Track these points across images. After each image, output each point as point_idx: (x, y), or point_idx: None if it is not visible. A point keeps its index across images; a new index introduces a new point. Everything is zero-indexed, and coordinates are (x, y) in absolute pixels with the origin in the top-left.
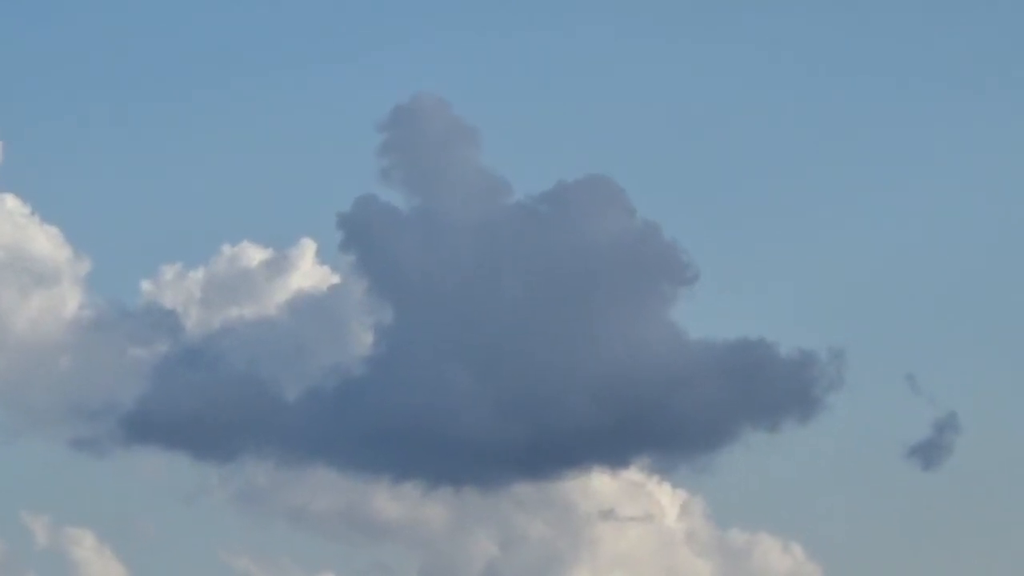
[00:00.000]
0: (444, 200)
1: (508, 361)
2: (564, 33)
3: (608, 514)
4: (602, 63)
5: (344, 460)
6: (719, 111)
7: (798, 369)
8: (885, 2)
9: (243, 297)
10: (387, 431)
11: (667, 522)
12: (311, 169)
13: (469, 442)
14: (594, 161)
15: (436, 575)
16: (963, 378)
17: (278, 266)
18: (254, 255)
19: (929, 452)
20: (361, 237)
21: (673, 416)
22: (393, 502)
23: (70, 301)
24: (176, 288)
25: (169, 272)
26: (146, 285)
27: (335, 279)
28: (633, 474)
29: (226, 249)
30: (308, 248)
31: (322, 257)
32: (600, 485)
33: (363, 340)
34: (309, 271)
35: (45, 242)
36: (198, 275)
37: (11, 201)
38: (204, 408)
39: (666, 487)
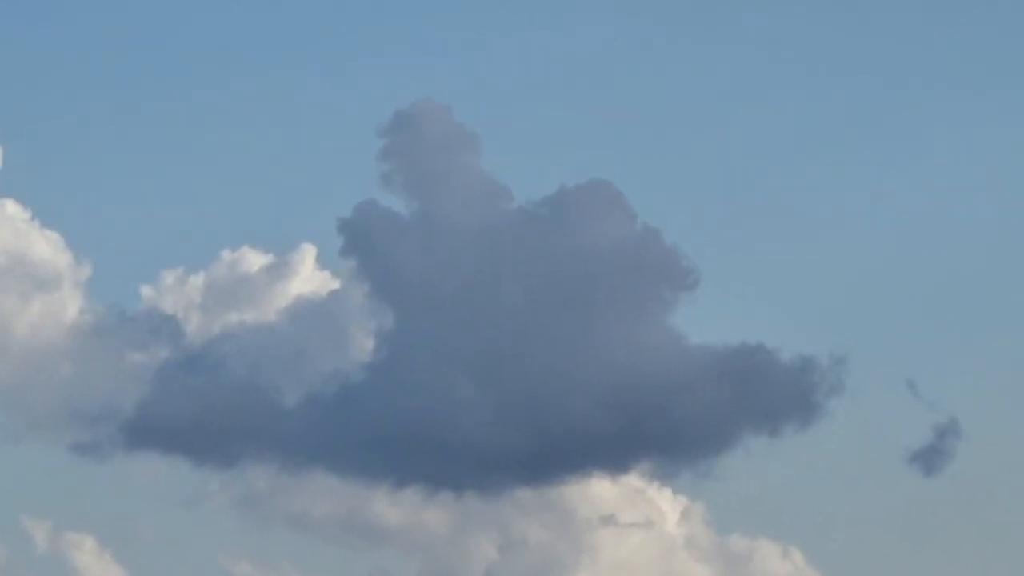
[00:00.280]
0: (445, 205)
1: (509, 366)
2: (565, 38)
3: (608, 519)
4: (603, 68)
5: (344, 465)
6: (720, 117)
7: (799, 375)
8: (885, 2)
9: (243, 302)
10: (387, 436)
11: (667, 528)
12: (311, 174)
13: (469, 447)
14: (595, 166)
15: None
16: (964, 384)
17: (278, 271)
18: (254, 260)
19: (930, 458)
20: (362, 242)
21: (673, 421)
22: (393, 507)
23: (70, 306)
24: (176, 293)
25: (169, 277)
26: (146, 290)
27: (335, 284)
28: (633, 479)
29: (226, 254)
30: (308, 253)
31: (322, 262)
32: (600, 490)
33: (363, 345)
34: (309, 276)
35: (45, 247)
36: (198, 280)
37: (11, 206)
38: (204, 413)
39: (666, 493)
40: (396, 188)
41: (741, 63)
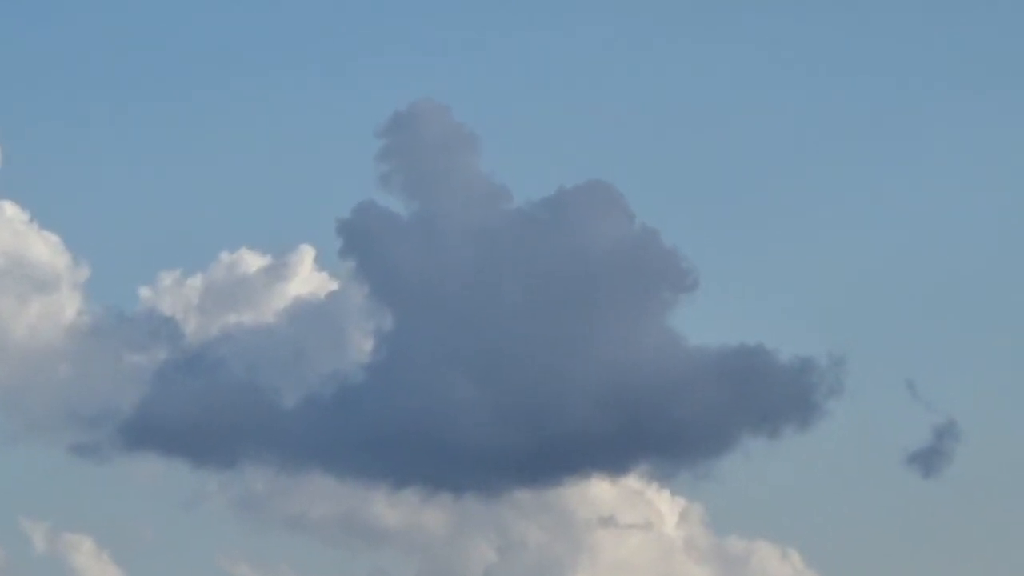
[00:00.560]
0: (444, 206)
1: (507, 367)
2: (564, 39)
3: (607, 521)
4: (602, 69)
5: (343, 467)
6: (719, 117)
7: (798, 376)
8: (885, 2)
9: (242, 304)
10: (386, 438)
11: (666, 529)
12: (310, 175)
13: (468, 448)
14: (594, 167)
15: None
16: (963, 385)
17: (277, 273)
18: (253, 262)
19: (929, 459)
20: (360, 243)
21: (672, 423)
22: (392, 509)
23: (69, 308)
24: (175, 295)
25: (168, 279)
26: (145, 292)
27: (334, 285)
28: (632, 481)
29: (225, 256)
30: (307, 254)
31: (321, 263)
32: (599, 492)
33: (362, 347)
34: (308, 277)
35: (44, 249)
36: (197, 282)
37: (10, 208)
38: (203, 415)
39: (665, 494)
40: (395, 189)
41: (740, 63)
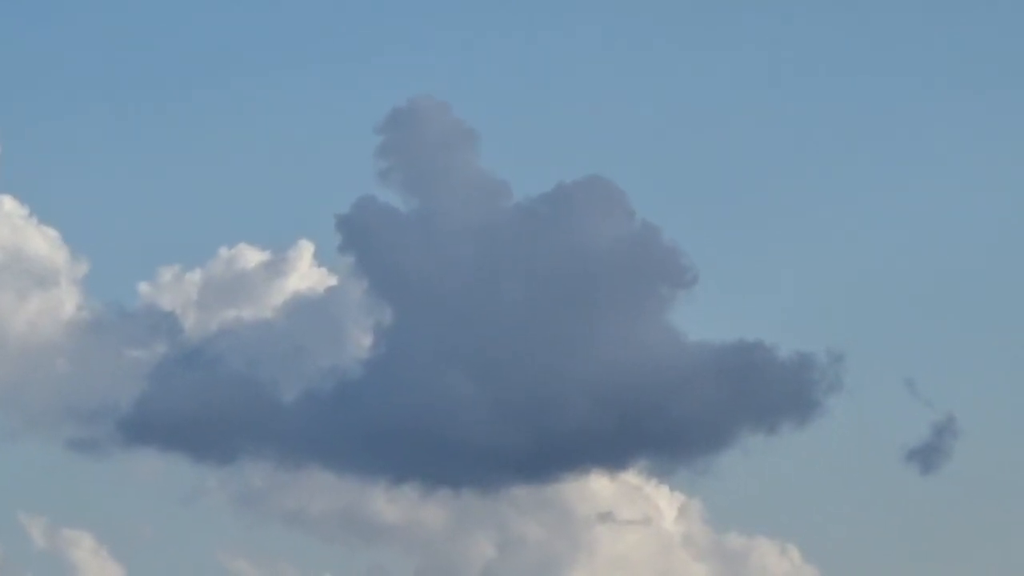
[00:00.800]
0: (443, 202)
1: (507, 363)
2: (563, 35)
3: (606, 517)
4: (601, 65)
5: (342, 462)
6: (719, 113)
7: (797, 372)
8: (885, 2)
9: (241, 299)
10: (385, 433)
11: (665, 525)
12: (309, 171)
13: (467, 444)
14: (593, 163)
15: None
16: (962, 382)
17: (276, 268)
18: (252, 257)
19: (928, 456)
20: (360, 239)
21: (671, 419)
22: (391, 504)
23: (68, 303)
24: (174, 290)
25: (167, 274)
26: (144, 287)
27: (333, 281)
28: (631, 477)
29: (224, 251)
30: (306, 250)
31: (320, 259)
32: (598, 488)
33: (361, 342)
34: (307, 273)
35: (43, 244)
36: (196, 277)
37: (9, 203)
38: (202, 410)
39: (664, 490)
40: (394, 185)
41: (741, 61)
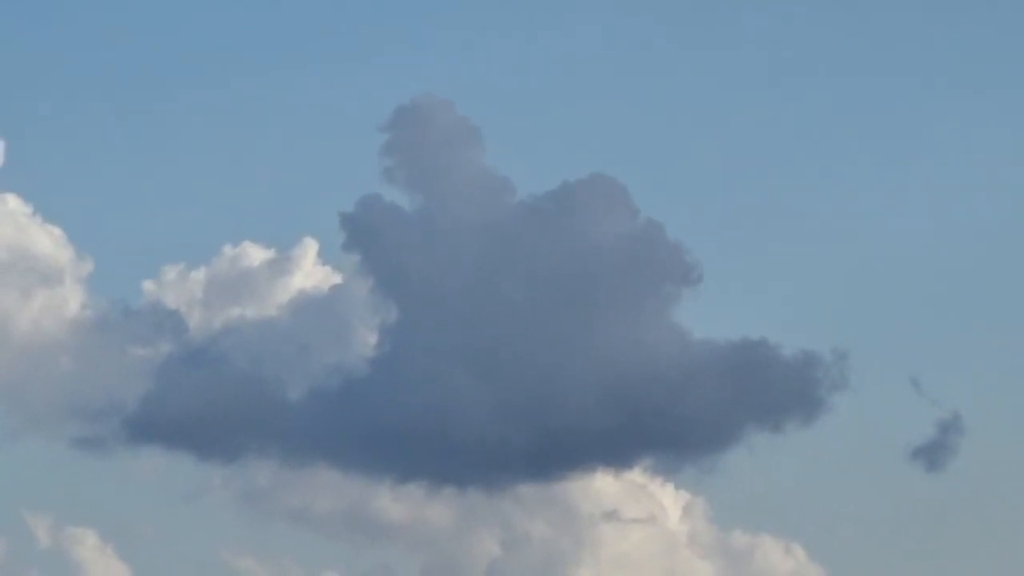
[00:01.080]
0: (447, 200)
1: (511, 361)
2: (567, 33)
3: (611, 515)
4: (606, 63)
5: (347, 460)
6: (723, 111)
7: (802, 370)
8: (885, 2)
9: (246, 297)
10: (390, 432)
11: (670, 523)
12: (314, 169)
13: (472, 443)
14: (598, 161)
15: None
16: (967, 380)
17: (280, 266)
18: (256, 255)
19: (933, 454)
20: (364, 237)
21: (676, 417)
22: (396, 503)
23: (72, 301)
24: (178, 288)
25: (171, 272)
26: (148, 285)
27: (337, 279)
28: (636, 475)
29: (228, 249)
30: (310, 248)
31: (324, 257)
32: (603, 486)
33: (366, 340)
34: (311, 271)
35: (47, 242)
36: (200, 275)
37: (13, 201)
38: (206, 408)
39: (669, 488)
40: (399, 183)
41: (745, 59)
